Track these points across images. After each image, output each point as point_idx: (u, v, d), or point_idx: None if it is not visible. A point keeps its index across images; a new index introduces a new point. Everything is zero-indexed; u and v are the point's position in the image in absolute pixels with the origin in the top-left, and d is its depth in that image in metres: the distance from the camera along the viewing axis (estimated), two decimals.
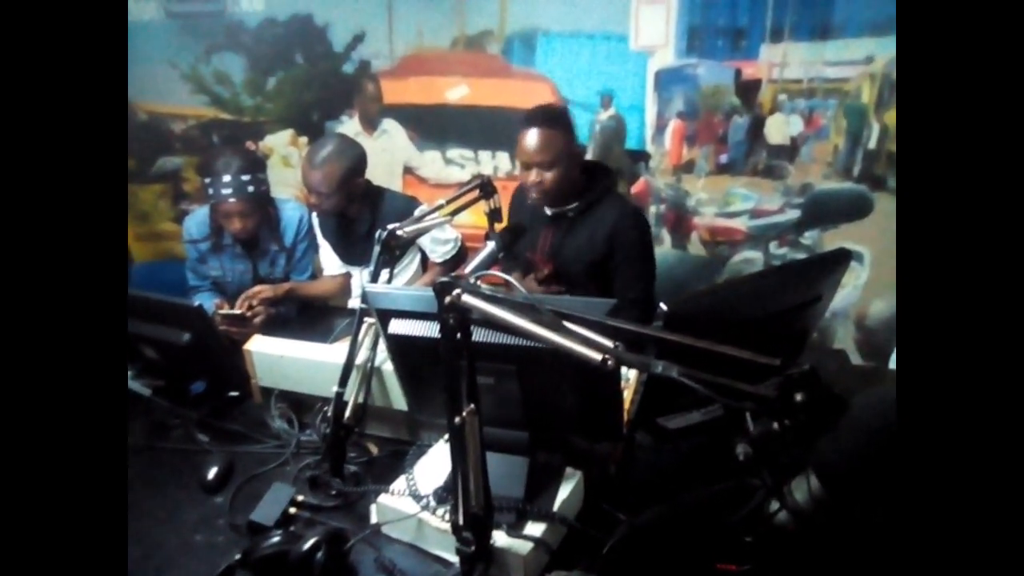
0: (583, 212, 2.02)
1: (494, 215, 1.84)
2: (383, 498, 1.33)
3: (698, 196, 3.15)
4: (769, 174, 3.04)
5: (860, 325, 3.04)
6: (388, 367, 1.50)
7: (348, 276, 2.50)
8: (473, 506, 1.06)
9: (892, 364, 2.09)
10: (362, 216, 2.31)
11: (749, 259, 3.16)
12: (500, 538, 1.18)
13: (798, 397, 0.84)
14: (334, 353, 1.61)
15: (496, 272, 1.58)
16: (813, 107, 2.91)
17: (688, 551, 1.18)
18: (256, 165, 2.25)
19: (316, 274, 2.53)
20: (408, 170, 3.44)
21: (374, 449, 1.60)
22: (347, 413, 1.47)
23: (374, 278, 1.51)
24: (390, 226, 1.52)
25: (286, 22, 3.31)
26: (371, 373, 1.53)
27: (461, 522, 1.07)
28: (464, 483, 1.05)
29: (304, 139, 3.49)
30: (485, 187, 1.79)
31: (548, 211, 2.07)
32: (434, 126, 3.36)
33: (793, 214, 3.04)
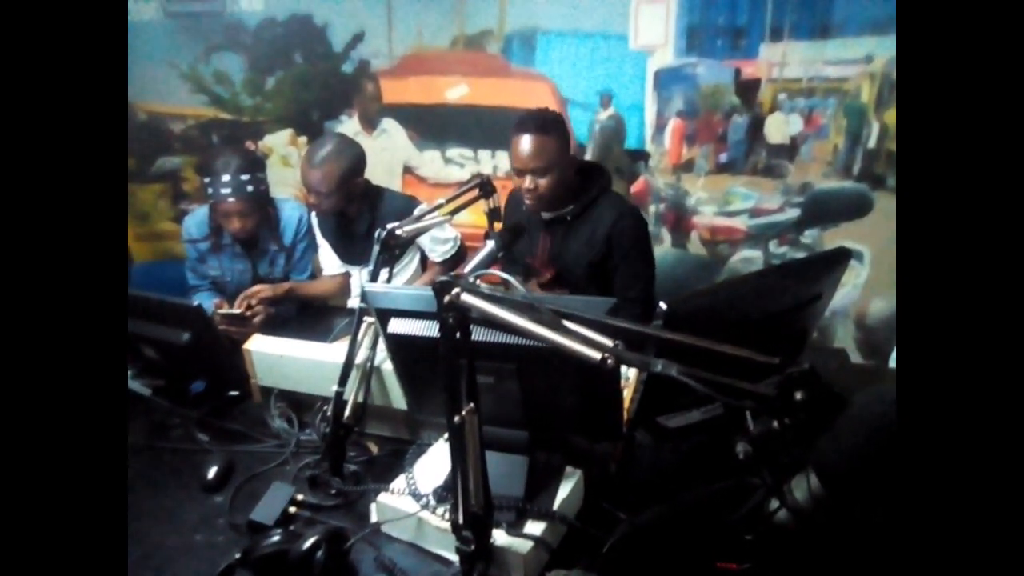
0: (580, 214, 2.02)
1: (493, 214, 1.84)
2: (383, 497, 1.33)
3: (698, 195, 3.15)
4: (769, 173, 3.04)
5: (860, 324, 3.04)
6: (388, 366, 1.50)
7: (347, 276, 2.50)
8: (473, 505, 1.06)
9: (892, 363, 2.09)
10: (361, 216, 2.31)
11: (749, 258, 3.16)
12: (500, 537, 1.18)
13: (798, 396, 0.84)
14: (333, 352, 1.61)
15: (496, 271, 1.58)
16: (813, 106, 2.91)
17: (688, 550, 1.18)
18: (255, 165, 2.25)
19: (315, 274, 2.53)
20: (407, 170, 3.44)
21: (374, 448, 1.60)
22: (347, 412, 1.46)
23: (373, 277, 1.51)
24: (389, 225, 1.52)
25: (285, 22, 3.31)
26: (371, 372, 1.53)
27: (461, 521, 1.07)
28: (464, 482, 1.05)
29: (303, 139, 3.49)
30: (484, 186, 1.79)
31: (544, 215, 2.06)
32: (433, 126, 3.36)
33: (793, 213, 3.04)
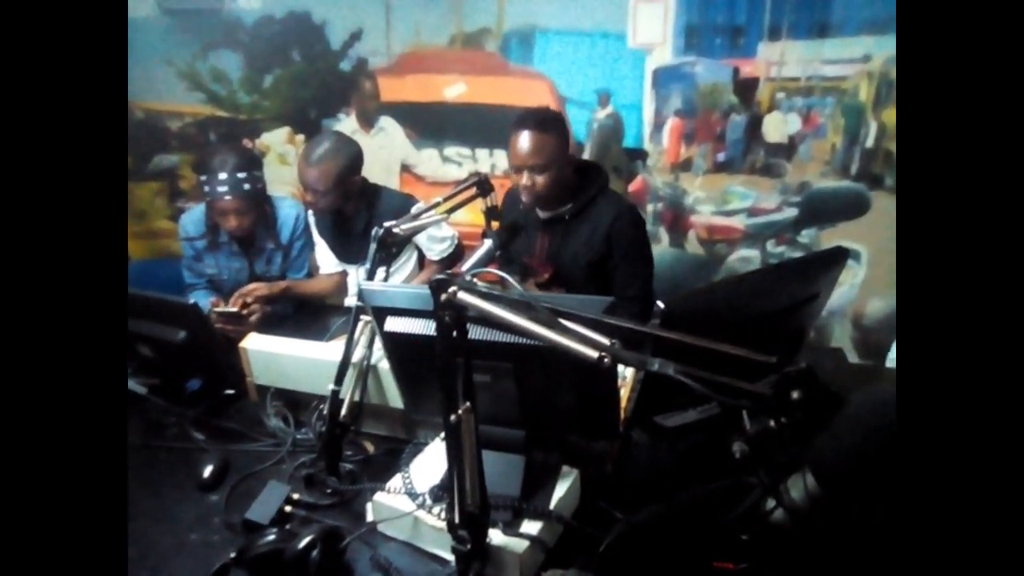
0: (578, 214, 2.02)
1: (491, 213, 1.84)
2: (379, 496, 1.32)
3: (696, 194, 3.15)
4: (767, 172, 3.04)
5: (857, 323, 3.05)
6: (384, 365, 1.50)
7: (344, 274, 2.50)
8: (469, 504, 1.05)
9: (889, 362, 2.09)
10: (358, 214, 2.31)
11: (746, 257, 3.16)
12: (496, 536, 1.18)
13: (795, 395, 0.83)
14: (330, 351, 1.60)
15: (493, 270, 1.58)
16: (811, 105, 2.91)
17: (685, 549, 1.17)
18: (252, 163, 2.24)
19: (312, 272, 2.52)
20: (405, 168, 3.44)
21: (370, 447, 1.60)
22: (343, 411, 1.46)
23: (370, 276, 1.51)
24: (387, 224, 1.51)
25: (283, 19, 3.30)
26: (367, 371, 1.53)
27: (457, 520, 1.07)
28: (460, 481, 1.05)
29: (301, 137, 3.48)
30: (482, 185, 1.79)
31: (542, 215, 2.06)
32: (431, 124, 3.35)
33: (790, 212, 3.05)
